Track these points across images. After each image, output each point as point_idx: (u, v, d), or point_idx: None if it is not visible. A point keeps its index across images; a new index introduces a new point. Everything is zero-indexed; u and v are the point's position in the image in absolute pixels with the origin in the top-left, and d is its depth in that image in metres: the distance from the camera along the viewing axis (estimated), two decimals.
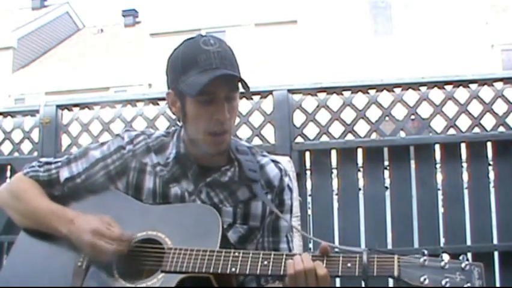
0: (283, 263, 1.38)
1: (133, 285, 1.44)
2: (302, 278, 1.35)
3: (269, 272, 1.39)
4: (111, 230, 1.47)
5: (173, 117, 2.36)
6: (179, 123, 1.62)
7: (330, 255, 1.38)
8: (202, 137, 1.53)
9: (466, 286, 1.27)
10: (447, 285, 1.27)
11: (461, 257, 1.31)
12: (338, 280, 2.66)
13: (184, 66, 1.51)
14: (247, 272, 1.40)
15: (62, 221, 1.54)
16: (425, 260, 1.32)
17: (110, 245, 1.45)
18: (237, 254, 1.41)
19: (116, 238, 1.45)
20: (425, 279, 1.29)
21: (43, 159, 1.72)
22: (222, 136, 1.53)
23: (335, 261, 1.37)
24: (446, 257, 1.32)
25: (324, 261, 1.37)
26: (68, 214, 1.55)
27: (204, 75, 1.46)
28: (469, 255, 2.65)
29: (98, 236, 1.46)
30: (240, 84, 1.52)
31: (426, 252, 1.33)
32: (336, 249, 1.54)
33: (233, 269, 1.39)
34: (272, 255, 1.40)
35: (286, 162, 2.10)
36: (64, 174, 1.64)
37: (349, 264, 1.36)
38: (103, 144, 1.67)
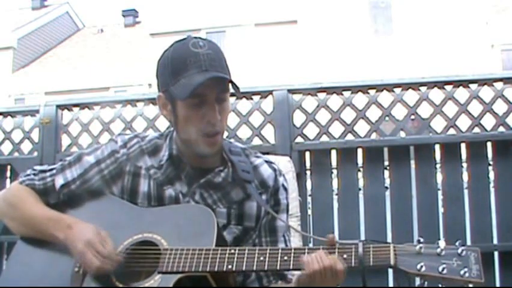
0: (279, 258, 1.39)
1: None
2: (320, 276, 1.35)
3: (265, 268, 1.39)
4: (103, 246, 1.46)
5: None
6: (172, 127, 1.62)
7: (325, 247, 1.38)
8: (194, 139, 1.53)
9: (463, 271, 1.26)
10: (444, 272, 1.27)
11: (457, 243, 1.31)
12: None
13: (173, 69, 1.51)
14: (244, 268, 1.40)
15: (59, 227, 1.54)
16: (421, 248, 1.31)
17: (97, 261, 1.44)
18: (232, 251, 1.41)
19: (105, 255, 1.44)
20: (421, 267, 1.29)
21: (37, 167, 1.71)
22: (213, 137, 1.53)
23: (331, 253, 1.37)
24: (442, 243, 1.31)
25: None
26: (65, 220, 1.55)
27: (193, 78, 1.46)
28: None
29: (89, 248, 1.45)
30: (230, 85, 1.53)
31: (422, 239, 1.33)
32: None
33: (229, 266, 1.39)
34: (268, 251, 1.41)
35: (286, 162, 2.09)
36: (59, 181, 1.63)
37: (345, 256, 1.36)
38: (96, 149, 1.67)
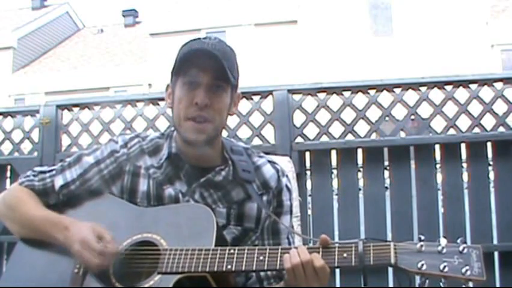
0: (279, 257, 1.38)
1: None
2: (300, 271, 1.34)
3: (265, 267, 1.38)
4: (97, 242, 1.45)
5: None
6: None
7: (326, 246, 1.37)
8: (183, 122, 1.53)
9: (464, 269, 1.25)
10: (445, 270, 1.26)
11: (458, 240, 1.30)
12: (338, 278, 2.67)
13: (179, 56, 1.54)
14: (243, 268, 1.39)
15: (58, 228, 1.53)
16: (422, 246, 1.30)
17: (94, 259, 1.43)
18: (232, 251, 1.40)
19: (100, 252, 1.43)
20: (422, 265, 1.27)
21: (37, 168, 1.71)
22: (201, 124, 1.52)
23: (331, 252, 1.36)
24: (443, 241, 1.30)
25: (320, 253, 1.36)
26: (63, 221, 1.55)
27: (189, 51, 1.51)
28: None
29: (84, 247, 1.44)
30: (231, 80, 1.53)
31: (423, 237, 1.32)
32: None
33: (229, 266, 1.38)
34: (267, 250, 1.40)
35: (286, 162, 2.10)
36: (59, 182, 1.63)
37: (345, 255, 1.35)
38: (96, 149, 1.67)
